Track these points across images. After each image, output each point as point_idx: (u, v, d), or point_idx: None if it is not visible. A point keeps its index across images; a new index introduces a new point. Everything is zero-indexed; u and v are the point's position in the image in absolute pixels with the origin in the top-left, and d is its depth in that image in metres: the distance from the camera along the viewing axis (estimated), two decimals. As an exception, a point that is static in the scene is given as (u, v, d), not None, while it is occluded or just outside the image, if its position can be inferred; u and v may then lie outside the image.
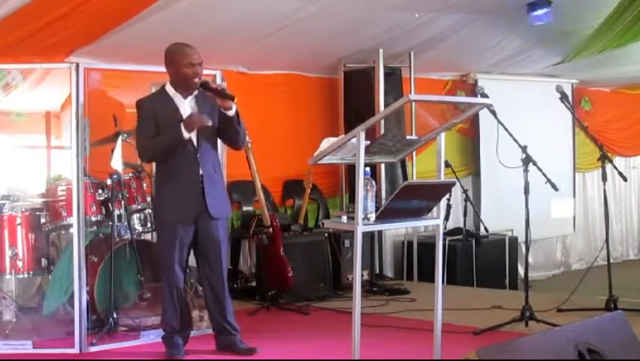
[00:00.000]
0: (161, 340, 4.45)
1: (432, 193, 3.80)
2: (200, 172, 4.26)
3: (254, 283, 6.27)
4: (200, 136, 4.28)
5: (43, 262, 5.03)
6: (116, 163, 5.00)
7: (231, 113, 4.23)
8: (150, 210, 5.30)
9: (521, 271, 7.40)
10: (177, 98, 4.30)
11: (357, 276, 3.54)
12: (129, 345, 4.66)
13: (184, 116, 4.24)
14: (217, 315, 4.45)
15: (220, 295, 4.40)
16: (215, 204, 4.30)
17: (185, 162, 4.24)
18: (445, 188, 4.02)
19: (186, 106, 4.30)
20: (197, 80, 4.24)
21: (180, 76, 4.25)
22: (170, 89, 4.33)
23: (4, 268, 4.87)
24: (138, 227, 5.22)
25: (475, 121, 7.97)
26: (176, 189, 4.25)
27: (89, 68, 5.01)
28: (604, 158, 5.41)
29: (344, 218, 3.72)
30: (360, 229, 3.48)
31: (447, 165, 6.54)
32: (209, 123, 4.21)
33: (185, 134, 4.17)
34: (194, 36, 5.65)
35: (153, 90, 5.96)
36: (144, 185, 5.29)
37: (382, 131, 5.92)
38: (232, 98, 4.20)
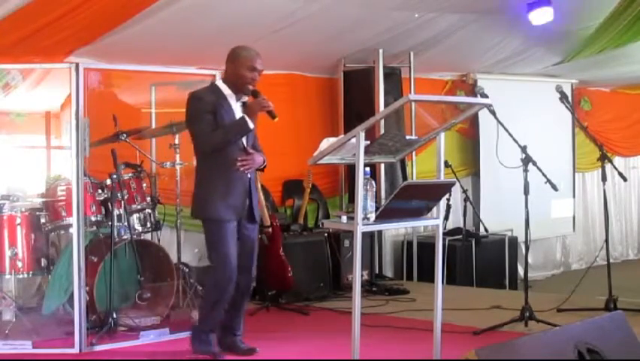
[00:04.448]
0: (191, 338, 4.39)
1: (432, 193, 3.80)
2: (249, 175, 4.29)
3: (254, 283, 6.26)
4: (249, 138, 4.30)
5: (43, 262, 5.03)
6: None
7: (251, 126, 4.21)
8: (150, 210, 5.31)
9: (521, 271, 7.40)
10: (232, 99, 4.29)
11: (357, 276, 3.54)
12: (129, 345, 4.66)
13: (237, 118, 4.24)
14: (234, 314, 4.43)
15: (245, 297, 4.43)
16: (255, 208, 4.35)
17: (236, 161, 4.23)
18: (445, 188, 4.02)
19: (238, 110, 4.30)
20: (251, 86, 4.25)
21: (238, 76, 4.25)
22: (224, 88, 4.30)
23: (4, 268, 4.87)
24: (138, 227, 5.23)
25: (474, 121, 7.97)
26: (227, 185, 4.22)
27: (89, 68, 5.02)
28: (604, 158, 5.41)
29: (344, 218, 3.73)
30: (360, 229, 3.48)
31: (447, 165, 6.54)
32: (271, 106, 4.19)
33: (251, 124, 4.16)
34: (194, 36, 5.68)
35: (153, 90, 6.01)
36: (144, 185, 5.29)
37: (382, 131, 5.92)
38: (273, 117, 4.20)
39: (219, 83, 4.33)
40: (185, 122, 4.36)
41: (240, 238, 4.32)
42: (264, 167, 4.44)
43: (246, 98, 4.34)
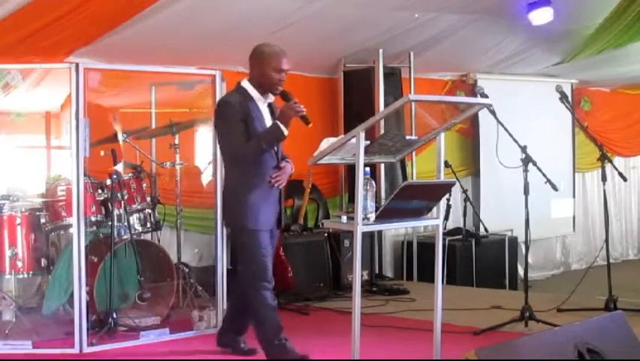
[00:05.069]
0: (269, 352, 4.15)
1: (432, 193, 3.80)
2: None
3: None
4: (279, 146, 4.18)
5: (43, 262, 5.02)
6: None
7: (285, 133, 4.05)
8: (150, 210, 5.31)
9: (521, 271, 7.40)
10: (260, 102, 4.13)
11: (357, 276, 3.54)
12: (129, 345, 4.66)
13: (267, 123, 4.10)
14: (244, 318, 4.33)
15: None
16: (281, 214, 4.24)
17: (270, 170, 4.11)
18: (445, 188, 4.01)
19: (266, 112, 4.16)
20: (280, 87, 4.09)
21: (265, 78, 4.08)
22: (252, 91, 4.13)
23: (4, 268, 4.86)
24: (138, 227, 5.23)
25: (474, 121, 7.97)
26: (264, 194, 4.08)
27: (89, 68, 5.01)
28: (604, 158, 5.41)
29: (344, 218, 3.73)
30: (360, 229, 3.48)
31: (447, 165, 6.54)
32: (304, 110, 4.03)
33: (285, 131, 4.00)
34: (194, 36, 5.68)
35: (153, 90, 6.00)
36: (144, 185, 5.29)
37: (382, 132, 5.92)
38: (307, 123, 4.05)
39: (246, 84, 4.15)
40: (215, 129, 4.18)
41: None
42: (291, 175, 4.33)
43: (272, 98, 4.20)
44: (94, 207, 5.03)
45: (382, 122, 6.40)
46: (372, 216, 3.58)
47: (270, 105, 4.21)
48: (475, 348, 2.51)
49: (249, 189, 4.07)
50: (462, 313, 5.45)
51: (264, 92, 4.14)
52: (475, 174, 8.22)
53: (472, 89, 7.52)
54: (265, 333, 4.14)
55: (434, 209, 3.92)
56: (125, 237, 5.05)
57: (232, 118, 4.02)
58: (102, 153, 5.00)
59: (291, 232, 6.31)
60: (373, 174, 4.80)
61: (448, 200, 6.75)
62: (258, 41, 6.09)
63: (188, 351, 4.49)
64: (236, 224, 4.16)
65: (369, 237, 6.65)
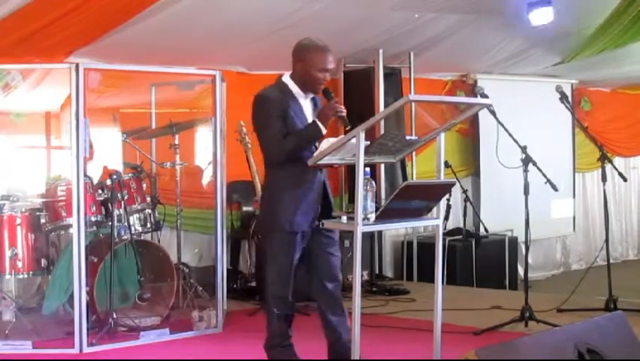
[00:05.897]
0: (271, 355, 4.10)
1: (432, 193, 3.80)
2: (322, 178, 4.04)
3: (254, 283, 6.26)
4: (319, 142, 4.01)
5: (43, 262, 5.02)
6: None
7: (323, 131, 3.90)
8: (150, 211, 5.31)
9: (521, 271, 7.40)
10: (301, 98, 4.00)
11: (357, 276, 3.54)
12: (129, 345, 4.66)
13: (308, 119, 3.97)
14: (338, 318, 4.15)
15: (338, 296, 4.15)
16: (331, 206, 4.10)
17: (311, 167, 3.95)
18: (445, 188, 4.01)
19: (308, 107, 4.04)
20: (322, 86, 3.97)
21: (309, 77, 3.95)
22: (293, 87, 3.99)
23: (4, 269, 4.86)
24: (138, 227, 5.23)
25: (474, 121, 7.97)
26: (302, 193, 3.93)
27: (89, 68, 5.01)
28: (604, 158, 5.42)
29: (344, 218, 3.72)
30: (360, 229, 3.48)
31: (447, 165, 6.55)
32: (344, 111, 3.89)
33: (323, 129, 3.87)
34: (194, 36, 5.68)
35: (153, 90, 6.01)
36: (144, 185, 5.29)
37: (382, 132, 5.92)
38: (346, 125, 3.85)
39: (287, 80, 4.02)
40: (253, 127, 4.01)
41: (319, 238, 4.06)
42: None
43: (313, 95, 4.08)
44: (94, 208, 5.02)
45: (382, 122, 6.40)
46: (373, 217, 3.58)
47: (313, 99, 4.08)
48: (475, 348, 2.51)
49: (288, 188, 3.92)
50: (462, 313, 5.45)
51: (306, 90, 4.01)
52: (475, 174, 8.22)
53: (472, 89, 7.52)
54: (270, 338, 4.10)
55: (434, 209, 3.91)
56: (125, 237, 5.05)
57: (269, 114, 3.88)
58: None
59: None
60: (373, 174, 4.79)
61: (448, 200, 6.75)
62: (259, 41, 6.13)
63: (188, 351, 4.49)
64: (271, 222, 4.01)
65: (369, 237, 6.65)
